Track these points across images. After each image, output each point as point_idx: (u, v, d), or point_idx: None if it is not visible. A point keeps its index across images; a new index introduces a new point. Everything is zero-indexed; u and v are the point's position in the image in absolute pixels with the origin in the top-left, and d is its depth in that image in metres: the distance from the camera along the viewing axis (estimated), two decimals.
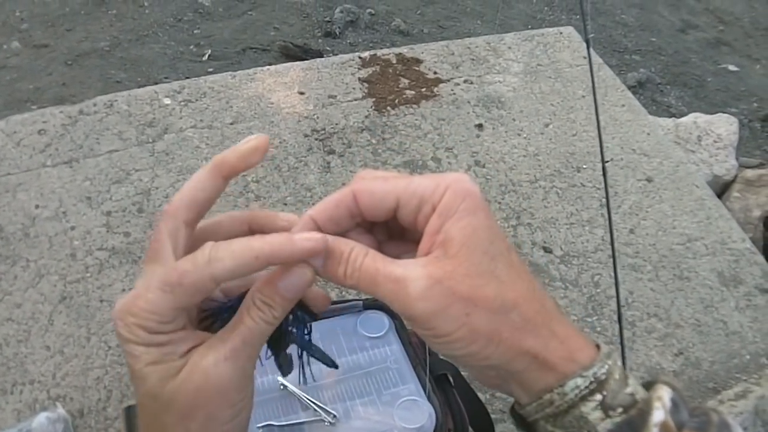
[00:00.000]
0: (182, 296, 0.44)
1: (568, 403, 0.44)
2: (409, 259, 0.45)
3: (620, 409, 0.43)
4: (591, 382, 0.43)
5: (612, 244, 0.91)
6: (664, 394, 0.44)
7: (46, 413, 0.97)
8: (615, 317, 1.21)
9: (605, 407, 0.43)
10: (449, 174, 0.45)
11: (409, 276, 0.43)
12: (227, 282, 0.48)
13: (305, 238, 0.44)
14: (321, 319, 0.93)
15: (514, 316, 0.43)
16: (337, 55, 3.31)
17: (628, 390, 0.43)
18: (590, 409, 0.43)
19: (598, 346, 0.46)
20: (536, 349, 0.44)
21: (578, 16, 4.00)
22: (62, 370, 1.06)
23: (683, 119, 2.65)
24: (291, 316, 0.49)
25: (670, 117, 2.94)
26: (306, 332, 0.51)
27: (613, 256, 0.90)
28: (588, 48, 0.87)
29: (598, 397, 0.43)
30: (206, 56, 3.40)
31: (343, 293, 1.17)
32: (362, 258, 0.45)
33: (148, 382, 0.44)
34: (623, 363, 1.03)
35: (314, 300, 0.51)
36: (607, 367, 0.44)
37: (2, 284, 1.17)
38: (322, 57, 3.19)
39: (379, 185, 0.46)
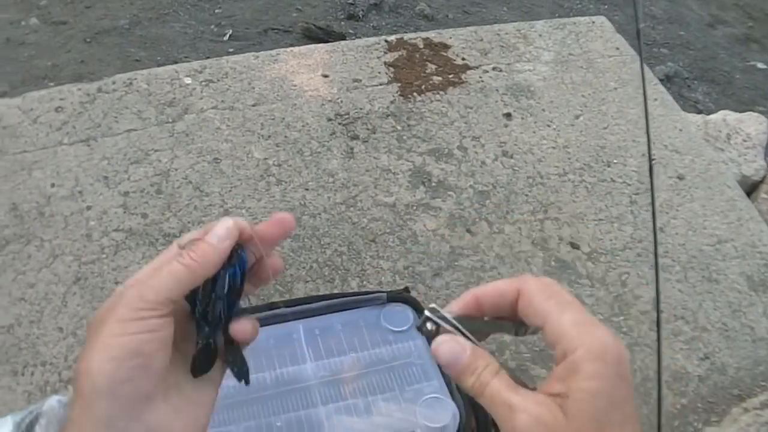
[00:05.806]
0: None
1: None
2: (531, 391, 0.47)
3: None
4: None
5: (656, 255, 0.86)
6: None
7: (57, 396, 0.94)
8: (641, 317, 1.18)
9: None
10: (600, 330, 0.45)
11: (522, 408, 0.45)
12: None
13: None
14: (343, 310, 0.90)
15: None
16: (360, 38, 3.28)
17: None
18: None
19: None
20: None
21: (606, 6, 3.94)
22: (75, 353, 1.04)
23: (712, 116, 2.59)
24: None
25: (698, 113, 2.88)
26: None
27: (656, 266, 0.86)
28: (639, 39, 0.82)
29: None
30: (227, 36, 3.36)
31: (364, 283, 1.14)
32: (490, 377, 0.48)
33: None
34: (659, 374, 0.99)
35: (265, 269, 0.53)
36: None
37: (15, 263, 1.15)
38: (345, 40, 3.16)
39: (537, 300, 0.48)
